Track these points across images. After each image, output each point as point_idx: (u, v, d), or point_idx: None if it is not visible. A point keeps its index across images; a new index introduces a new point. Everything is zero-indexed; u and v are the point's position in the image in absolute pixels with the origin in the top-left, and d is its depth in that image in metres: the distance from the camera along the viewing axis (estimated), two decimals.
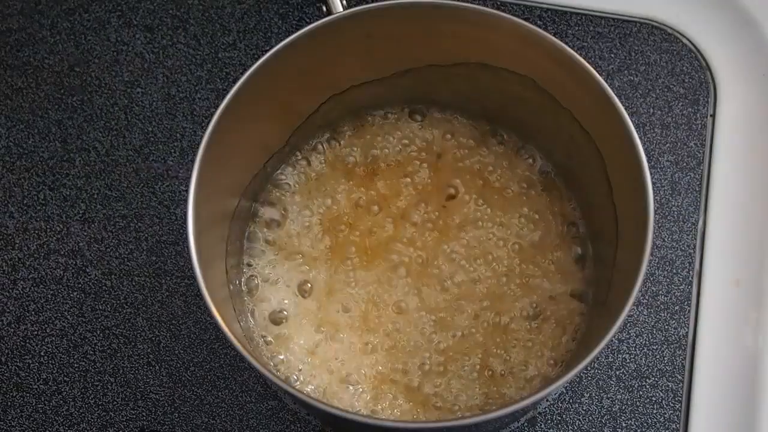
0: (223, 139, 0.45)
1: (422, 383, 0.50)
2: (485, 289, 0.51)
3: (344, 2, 0.48)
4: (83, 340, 0.54)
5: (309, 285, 0.52)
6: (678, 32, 0.60)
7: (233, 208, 0.50)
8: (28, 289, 0.55)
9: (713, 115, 0.58)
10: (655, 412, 0.53)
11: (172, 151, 0.57)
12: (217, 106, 0.44)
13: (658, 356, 0.54)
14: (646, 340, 0.54)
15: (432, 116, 0.55)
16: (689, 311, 0.55)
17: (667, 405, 0.53)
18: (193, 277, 0.42)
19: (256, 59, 0.45)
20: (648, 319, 0.55)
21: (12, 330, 0.54)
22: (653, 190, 0.43)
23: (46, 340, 0.54)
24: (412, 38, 0.48)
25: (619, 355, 0.54)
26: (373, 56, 0.50)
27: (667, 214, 0.56)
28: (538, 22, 0.60)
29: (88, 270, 0.55)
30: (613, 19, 0.60)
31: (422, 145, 0.54)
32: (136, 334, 0.54)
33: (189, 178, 0.43)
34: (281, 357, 0.50)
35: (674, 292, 0.55)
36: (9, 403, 0.53)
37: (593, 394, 0.54)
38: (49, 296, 0.55)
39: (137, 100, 0.58)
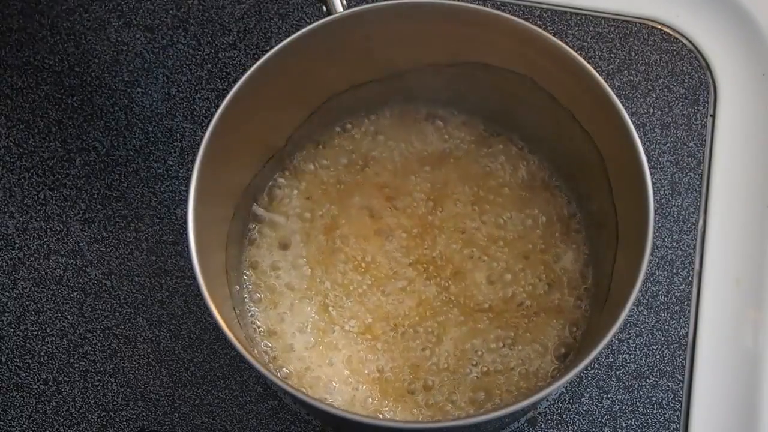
0: (223, 139, 0.45)
1: (421, 383, 0.50)
2: (485, 288, 0.51)
3: (344, 2, 0.48)
4: (83, 340, 0.54)
5: (309, 285, 0.51)
6: (678, 32, 0.60)
7: (233, 208, 0.50)
8: (28, 289, 0.55)
9: (713, 115, 0.58)
10: (655, 412, 0.53)
11: (172, 151, 0.57)
12: (217, 106, 0.44)
13: (658, 356, 0.54)
14: (646, 340, 0.54)
15: (432, 116, 0.55)
16: (689, 311, 0.55)
17: (667, 405, 0.53)
18: (193, 277, 0.42)
19: (256, 59, 0.45)
20: (648, 319, 0.55)
21: (12, 330, 0.54)
22: (653, 190, 0.43)
23: (46, 340, 0.54)
24: (412, 38, 0.48)
25: (619, 355, 0.54)
26: (373, 56, 0.50)
27: (667, 214, 0.56)
28: (538, 22, 0.60)
29: (88, 270, 0.55)
30: (613, 19, 0.60)
31: (422, 144, 0.54)
32: (136, 334, 0.54)
33: (189, 178, 0.43)
34: (281, 356, 0.50)
35: (674, 292, 0.55)
36: (9, 403, 0.53)
37: (593, 394, 0.53)
38: (49, 296, 0.55)
39: (137, 100, 0.58)
